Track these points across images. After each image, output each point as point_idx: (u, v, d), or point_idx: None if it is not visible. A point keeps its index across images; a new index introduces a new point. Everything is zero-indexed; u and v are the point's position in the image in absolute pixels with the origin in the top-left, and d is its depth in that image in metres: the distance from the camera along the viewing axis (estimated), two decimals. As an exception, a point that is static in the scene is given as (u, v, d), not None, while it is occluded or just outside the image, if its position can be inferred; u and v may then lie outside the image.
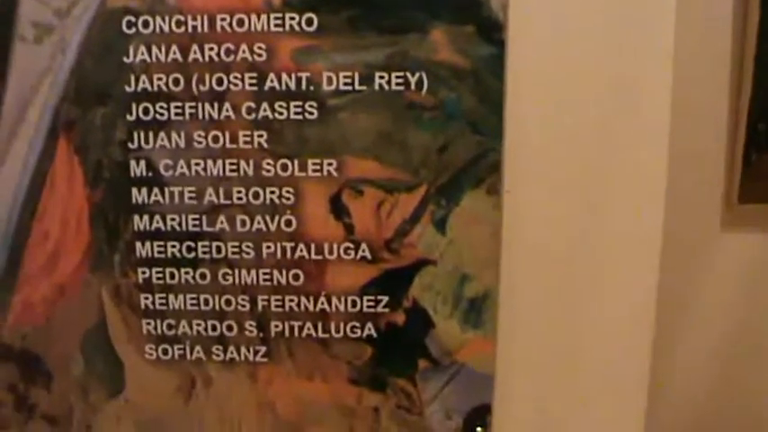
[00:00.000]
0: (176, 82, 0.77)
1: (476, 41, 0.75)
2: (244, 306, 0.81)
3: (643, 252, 0.81)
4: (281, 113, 0.77)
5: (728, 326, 0.96)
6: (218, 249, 0.79)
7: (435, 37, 0.75)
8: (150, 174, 0.78)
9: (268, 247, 0.79)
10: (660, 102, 0.79)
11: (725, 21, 0.92)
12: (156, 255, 0.80)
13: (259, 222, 0.79)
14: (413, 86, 0.76)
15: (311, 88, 0.76)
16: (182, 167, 0.78)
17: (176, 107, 0.77)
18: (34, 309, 0.81)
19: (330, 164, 0.77)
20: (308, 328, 0.81)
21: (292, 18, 0.75)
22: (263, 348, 0.82)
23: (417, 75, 0.76)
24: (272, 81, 0.76)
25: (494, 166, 0.77)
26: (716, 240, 0.96)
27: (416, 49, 0.75)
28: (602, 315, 0.82)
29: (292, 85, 0.76)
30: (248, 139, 0.77)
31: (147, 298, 0.81)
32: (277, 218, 0.79)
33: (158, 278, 0.80)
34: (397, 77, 0.76)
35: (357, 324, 0.81)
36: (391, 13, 0.75)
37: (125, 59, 0.77)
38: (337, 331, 0.81)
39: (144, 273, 0.80)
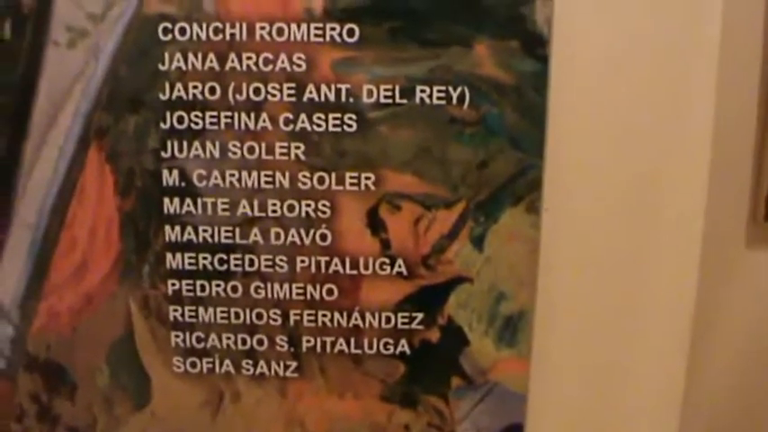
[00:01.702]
0: (212, 91, 0.75)
1: (519, 56, 0.74)
2: (275, 320, 0.79)
3: (680, 273, 0.80)
4: (319, 125, 0.75)
5: (754, 343, 0.95)
6: (251, 262, 0.78)
7: (479, 51, 0.74)
8: (183, 184, 0.77)
9: (302, 261, 0.78)
10: (702, 120, 0.78)
11: (756, 37, 0.90)
12: (186, 266, 0.78)
13: (293, 236, 0.77)
14: (454, 101, 0.75)
15: (351, 100, 0.75)
16: (216, 178, 0.77)
17: (212, 116, 0.76)
18: (60, 318, 0.80)
19: (368, 177, 0.76)
20: (341, 344, 0.80)
21: (333, 29, 0.74)
22: (294, 364, 0.80)
23: (459, 89, 0.75)
24: (310, 92, 0.75)
25: (534, 184, 0.76)
26: (741, 257, 0.95)
27: (459, 62, 0.74)
28: (638, 336, 0.81)
29: (331, 97, 0.75)
30: (285, 150, 0.76)
31: (176, 310, 0.79)
32: (312, 231, 0.77)
33: (188, 290, 0.79)
34: (439, 91, 0.75)
35: (390, 341, 0.79)
36: (434, 25, 0.74)
37: (160, 66, 0.75)
38: (370, 347, 0.80)
39: (174, 284, 0.79)
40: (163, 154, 0.76)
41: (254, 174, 0.76)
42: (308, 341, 0.80)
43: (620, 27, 0.76)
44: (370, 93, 0.75)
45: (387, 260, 0.78)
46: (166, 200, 0.77)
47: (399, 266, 0.78)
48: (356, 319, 0.79)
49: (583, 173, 0.78)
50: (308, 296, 0.79)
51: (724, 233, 0.92)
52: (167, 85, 0.75)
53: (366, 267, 0.78)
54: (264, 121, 0.75)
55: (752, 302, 0.94)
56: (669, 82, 0.78)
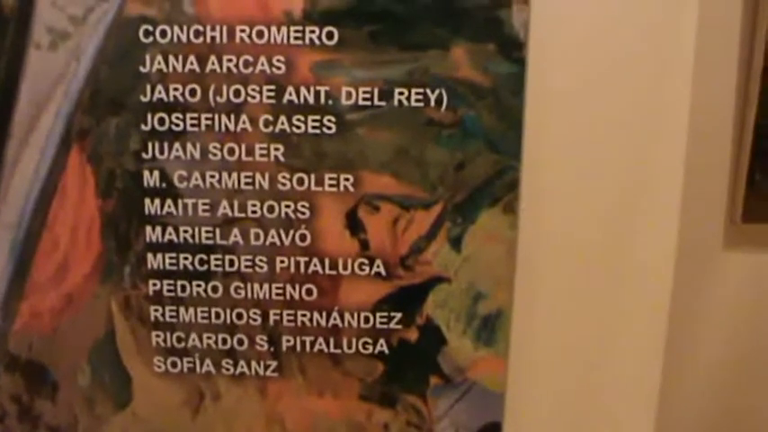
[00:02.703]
0: (193, 93, 0.76)
1: (496, 59, 0.75)
2: (255, 320, 0.80)
3: (657, 273, 0.81)
4: (298, 127, 0.76)
5: (731, 345, 0.96)
6: (231, 262, 0.79)
7: (456, 54, 0.75)
8: (164, 185, 0.77)
9: (282, 262, 0.79)
10: (677, 122, 0.79)
11: (731, 41, 0.92)
12: (167, 267, 0.79)
13: (273, 236, 0.78)
14: (432, 103, 0.76)
15: (330, 102, 0.76)
16: (196, 179, 0.77)
17: (192, 118, 0.76)
18: (42, 318, 0.80)
19: (347, 179, 0.77)
20: (320, 344, 0.80)
21: (312, 31, 0.75)
22: (274, 363, 0.81)
23: (437, 91, 0.76)
24: (290, 94, 0.76)
25: (511, 185, 0.77)
26: (719, 258, 0.96)
27: (437, 65, 0.75)
28: (615, 336, 0.82)
29: (311, 99, 0.76)
30: (265, 151, 0.77)
31: (157, 310, 0.80)
32: (292, 232, 0.78)
33: (169, 290, 0.79)
34: (417, 94, 0.76)
35: (369, 340, 0.80)
36: (413, 29, 0.74)
37: (141, 68, 0.76)
38: (349, 347, 0.80)
39: (155, 285, 0.79)
40: (144, 155, 0.77)
41: (235, 175, 0.77)
42: (288, 341, 0.80)
43: (595, 31, 0.78)
44: (348, 95, 0.76)
45: (365, 260, 0.78)
46: (147, 201, 0.78)
47: (378, 267, 0.79)
48: (335, 319, 0.80)
49: (559, 174, 0.79)
50: (288, 296, 0.79)
51: (702, 234, 0.93)
52: (148, 87, 0.76)
53: (345, 268, 0.79)
54: (244, 122, 0.76)
55: (729, 302, 0.96)
56: (645, 85, 0.79)
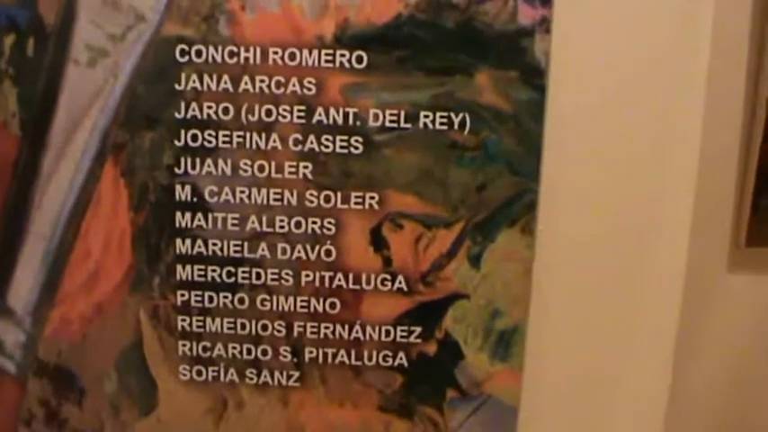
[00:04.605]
0: (226, 111, 0.79)
1: (518, 86, 0.78)
2: (280, 331, 0.83)
3: (666, 294, 0.84)
4: (326, 146, 0.79)
5: (734, 368, 0.99)
6: (258, 275, 0.81)
7: (480, 80, 0.78)
8: (195, 199, 0.80)
9: (307, 276, 0.81)
10: (688, 148, 0.83)
11: (740, 70, 0.95)
12: (196, 278, 0.81)
13: (299, 251, 0.81)
14: (456, 126, 0.79)
15: (358, 123, 0.79)
16: (226, 194, 0.80)
17: (224, 135, 0.79)
18: (71, 325, 0.83)
19: (372, 197, 0.80)
20: (342, 356, 0.83)
21: (343, 55, 0.78)
22: (297, 373, 0.83)
23: (461, 115, 0.79)
24: (319, 115, 0.78)
25: (529, 207, 0.80)
26: (723, 282, 0.99)
27: (461, 90, 0.78)
28: (625, 353, 0.85)
29: (339, 120, 0.79)
30: (293, 169, 0.79)
31: (184, 320, 0.82)
32: (317, 247, 0.81)
33: (197, 301, 0.82)
34: (442, 117, 0.79)
35: (389, 353, 0.83)
36: (439, 55, 0.78)
37: (176, 86, 0.78)
38: (370, 359, 0.83)
39: (183, 295, 0.82)
40: (176, 170, 0.80)
41: (264, 191, 0.80)
42: (311, 352, 0.83)
43: (611, 60, 0.81)
44: (376, 117, 0.79)
45: (388, 276, 0.81)
46: (178, 214, 0.80)
47: (400, 282, 0.81)
48: (357, 332, 0.82)
49: (576, 198, 0.82)
50: (312, 309, 0.82)
51: (707, 258, 0.96)
52: (183, 105, 0.79)
53: (368, 283, 0.81)
54: (275, 141, 0.79)
55: (733, 325, 0.98)
56: (657, 113, 0.83)
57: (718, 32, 0.81)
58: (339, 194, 0.80)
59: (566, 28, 0.79)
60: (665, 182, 0.84)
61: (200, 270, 0.81)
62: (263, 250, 0.81)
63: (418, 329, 0.82)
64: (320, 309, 0.82)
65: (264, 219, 0.80)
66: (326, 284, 0.81)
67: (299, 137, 0.79)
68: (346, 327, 0.82)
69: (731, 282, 0.98)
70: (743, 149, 0.97)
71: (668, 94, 0.82)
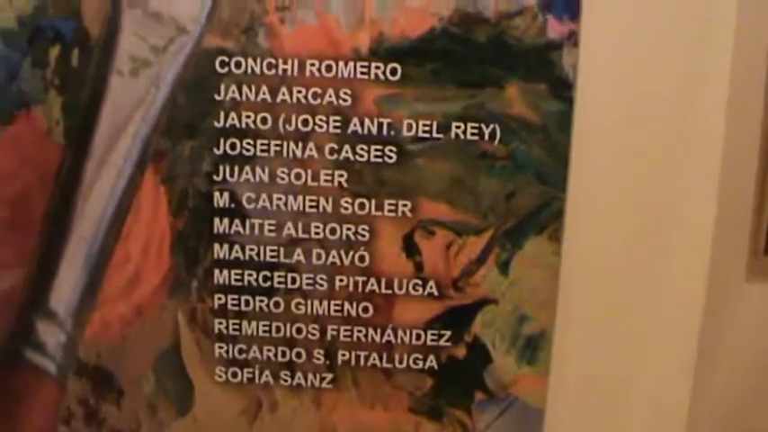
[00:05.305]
0: (264, 120, 0.81)
1: (547, 98, 0.81)
2: (314, 335, 0.85)
3: (687, 302, 0.87)
4: (361, 156, 0.82)
5: (752, 377, 1.01)
6: (293, 280, 0.84)
7: (510, 92, 0.81)
8: (233, 205, 0.83)
9: (341, 280, 0.84)
10: (711, 159, 0.85)
11: (759, 79, 0.96)
12: (232, 282, 0.84)
13: (334, 256, 0.83)
14: (486, 137, 0.81)
15: (392, 134, 0.81)
16: (264, 201, 0.82)
17: (262, 144, 0.82)
18: (111, 327, 0.85)
19: (405, 205, 0.82)
20: (374, 359, 0.85)
21: (378, 67, 0.80)
22: (330, 376, 0.86)
23: (491, 126, 0.81)
24: (355, 125, 0.81)
25: (557, 215, 0.83)
26: (742, 290, 1.01)
27: (492, 102, 0.81)
28: (647, 358, 0.88)
29: (374, 130, 0.81)
30: (329, 177, 0.82)
31: (221, 323, 0.85)
32: (351, 253, 0.83)
33: (233, 305, 0.84)
34: (473, 128, 0.81)
35: (420, 356, 0.85)
36: (471, 68, 0.80)
37: (216, 96, 0.81)
38: (401, 362, 0.85)
39: (220, 299, 0.84)
40: (215, 177, 0.82)
41: (300, 198, 0.82)
42: (344, 355, 0.85)
43: (637, 73, 0.83)
44: (409, 127, 0.81)
45: (419, 281, 0.84)
46: (216, 220, 0.83)
47: (431, 288, 0.84)
48: (389, 336, 0.85)
49: (601, 206, 0.85)
50: (345, 313, 0.85)
51: (726, 266, 0.99)
52: (222, 114, 0.81)
53: (400, 288, 0.84)
54: (311, 150, 0.82)
55: (751, 334, 1.01)
56: (680, 125, 0.85)
57: (740, 45, 0.84)
58: (373, 202, 0.82)
59: (593, 42, 0.81)
60: (688, 191, 0.86)
61: (236, 274, 0.84)
62: (298, 255, 0.83)
63: (448, 333, 0.85)
64: (353, 313, 0.84)
65: (300, 225, 0.83)
66: (360, 289, 0.84)
67: (335, 146, 0.81)
68: (378, 330, 0.85)
69: (749, 290, 1.00)
70: (763, 160, 0.99)
71: (691, 106, 0.85)
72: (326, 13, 0.79)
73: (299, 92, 0.81)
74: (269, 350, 0.85)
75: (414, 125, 0.81)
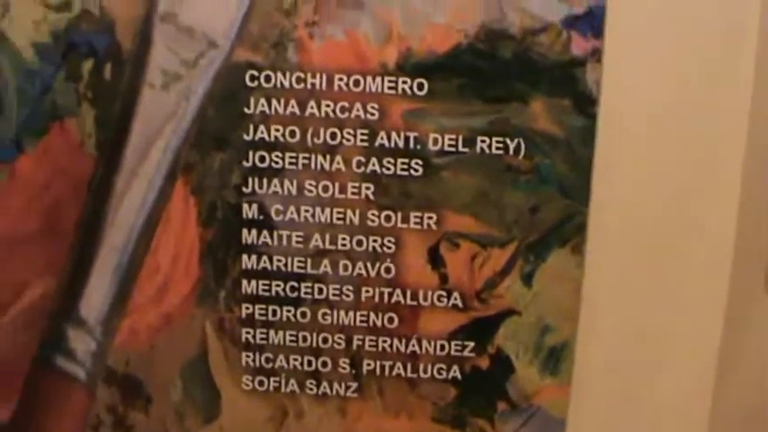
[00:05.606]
0: (292, 134, 0.83)
1: (571, 113, 0.82)
2: (339, 344, 0.86)
3: (707, 315, 0.88)
4: (388, 169, 0.83)
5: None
6: (320, 291, 0.85)
7: (535, 108, 0.82)
8: (261, 217, 0.84)
9: (367, 291, 0.85)
10: (733, 179, 0.86)
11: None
12: (260, 292, 0.85)
13: (360, 268, 0.85)
14: (511, 151, 0.83)
15: (418, 147, 0.83)
16: (292, 213, 0.84)
17: (291, 157, 0.83)
18: (140, 336, 0.86)
19: (430, 217, 0.84)
20: (398, 368, 0.87)
21: (405, 82, 0.82)
22: (355, 385, 0.87)
23: (516, 141, 0.82)
24: (382, 138, 0.82)
25: (579, 228, 0.84)
26: (761, 302, 1.02)
27: (517, 117, 0.82)
28: (667, 369, 0.89)
29: (401, 144, 0.83)
30: (356, 190, 0.83)
31: (248, 332, 0.86)
32: (378, 264, 0.85)
33: (261, 314, 0.86)
34: (498, 142, 0.83)
35: (444, 366, 0.87)
36: (497, 83, 0.82)
37: (245, 110, 0.82)
38: (425, 372, 0.87)
39: (248, 309, 0.86)
40: (244, 189, 0.84)
41: (327, 210, 0.84)
42: (369, 364, 0.87)
43: (659, 90, 0.85)
44: (435, 141, 0.83)
45: (444, 293, 0.85)
46: (245, 231, 0.84)
47: (455, 299, 0.85)
48: (414, 346, 0.86)
49: (623, 220, 0.86)
50: (371, 323, 0.86)
51: (746, 278, 0.99)
52: (251, 127, 0.83)
53: (425, 299, 0.85)
54: (339, 163, 0.83)
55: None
56: (701, 140, 0.86)
57: (763, 59, 0.85)
58: (399, 214, 0.84)
59: (616, 58, 0.83)
60: (709, 204, 0.87)
61: (264, 285, 0.85)
62: (325, 267, 0.85)
63: (472, 344, 0.86)
64: (379, 323, 0.86)
65: (327, 237, 0.84)
66: (385, 300, 0.85)
67: (362, 159, 0.83)
68: (403, 340, 0.86)
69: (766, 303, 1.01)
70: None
71: (713, 120, 0.86)
72: (355, 28, 0.81)
73: (328, 106, 0.82)
74: (295, 359, 0.87)
75: (440, 139, 0.82)
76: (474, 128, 0.82)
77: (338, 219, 0.84)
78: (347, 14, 0.81)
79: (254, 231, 0.84)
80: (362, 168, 0.83)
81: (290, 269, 0.85)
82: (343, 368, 0.87)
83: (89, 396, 0.88)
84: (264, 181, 0.84)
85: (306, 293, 0.85)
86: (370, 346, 0.86)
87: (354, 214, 0.84)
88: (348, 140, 0.83)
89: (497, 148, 0.83)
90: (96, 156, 0.83)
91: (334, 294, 0.85)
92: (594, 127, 0.83)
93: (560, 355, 0.86)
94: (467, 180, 0.83)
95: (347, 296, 0.85)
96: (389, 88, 0.82)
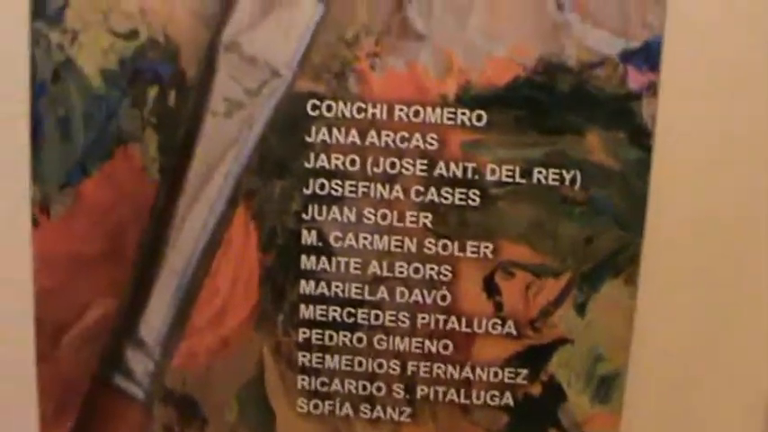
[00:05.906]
0: (353, 162, 0.84)
1: (626, 146, 0.83)
2: (394, 370, 0.88)
3: (759, 346, 0.89)
4: (446, 198, 0.84)
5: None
6: (377, 317, 0.87)
7: (590, 140, 0.83)
8: (320, 243, 0.86)
9: (423, 318, 0.86)
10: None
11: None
12: (317, 317, 0.87)
13: (416, 295, 0.86)
14: (567, 183, 0.84)
15: (476, 178, 0.84)
16: (350, 240, 0.85)
17: (351, 185, 0.85)
18: (197, 357, 0.88)
19: (487, 247, 0.85)
20: (452, 394, 0.88)
21: (464, 113, 0.83)
22: (408, 410, 0.89)
23: (572, 172, 0.84)
24: (440, 168, 0.84)
25: (633, 259, 0.85)
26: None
27: (573, 149, 0.83)
28: (716, 401, 0.90)
29: (459, 174, 0.84)
30: (414, 218, 0.85)
31: (305, 356, 0.88)
32: (434, 292, 0.86)
33: (317, 339, 0.87)
34: (554, 174, 0.84)
35: (497, 393, 0.88)
36: (553, 116, 0.83)
37: (306, 138, 0.84)
38: (478, 398, 0.88)
39: (305, 333, 0.87)
40: (304, 216, 0.85)
41: (386, 238, 0.85)
42: (423, 390, 0.88)
43: (715, 123, 0.86)
44: (493, 172, 0.84)
45: (499, 321, 0.86)
46: (304, 257, 0.86)
47: (509, 327, 0.86)
48: (467, 373, 0.88)
49: (676, 252, 0.87)
50: (426, 350, 0.87)
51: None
52: (312, 156, 0.84)
53: (480, 326, 0.87)
54: (398, 192, 0.84)
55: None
56: (758, 173, 0.87)
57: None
58: (456, 243, 0.85)
59: (672, 92, 0.84)
60: (764, 238, 0.88)
61: (321, 310, 0.87)
62: (382, 293, 0.86)
63: (525, 372, 0.87)
64: (434, 350, 0.87)
65: (385, 264, 0.86)
66: (440, 327, 0.87)
67: (421, 188, 0.84)
68: (457, 367, 0.87)
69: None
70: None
71: (763, 155, 0.87)
72: (415, 60, 0.82)
73: (388, 135, 0.83)
74: (350, 383, 0.88)
75: (497, 170, 0.84)
76: (531, 159, 0.84)
77: (396, 246, 0.85)
78: (408, 46, 0.82)
79: (312, 257, 0.86)
80: (421, 197, 0.85)
81: (347, 295, 0.86)
82: (398, 393, 0.88)
83: (146, 415, 0.89)
84: (324, 208, 0.85)
85: (362, 319, 0.87)
86: (424, 371, 0.88)
87: (412, 242, 0.85)
88: (407, 170, 0.84)
89: (553, 180, 0.84)
90: (159, 180, 0.85)
91: (390, 320, 0.87)
92: (649, 159, 0.84)
93: (611, 384, 0.88)
94: (523, 210, 0.85)
95: (403, 322, 0.87)
96: (449, 119, 0.83)
